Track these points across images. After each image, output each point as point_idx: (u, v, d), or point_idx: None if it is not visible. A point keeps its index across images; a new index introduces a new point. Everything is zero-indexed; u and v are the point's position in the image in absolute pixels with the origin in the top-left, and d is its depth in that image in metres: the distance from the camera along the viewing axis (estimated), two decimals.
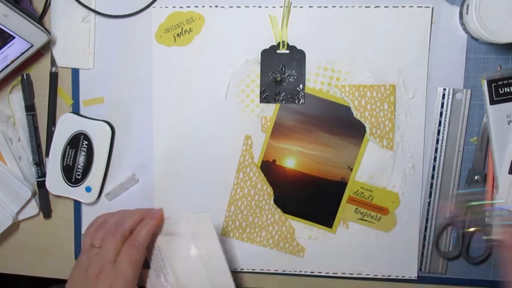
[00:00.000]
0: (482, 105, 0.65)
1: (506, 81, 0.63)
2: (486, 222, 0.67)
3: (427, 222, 0.67)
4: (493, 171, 0.65)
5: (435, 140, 0.66)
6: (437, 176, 0.67)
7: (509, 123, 0.63)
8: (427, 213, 0.67)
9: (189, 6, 0.68)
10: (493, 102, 0.63)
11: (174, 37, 0.69)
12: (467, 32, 0.64)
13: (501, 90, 0.63)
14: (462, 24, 0.64)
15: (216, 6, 0.68)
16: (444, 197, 0.67)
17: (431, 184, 0.67)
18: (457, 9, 0.65)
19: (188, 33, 0.69)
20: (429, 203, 0.67)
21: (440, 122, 0.66)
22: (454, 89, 0.66)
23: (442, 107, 0.66)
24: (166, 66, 0.69)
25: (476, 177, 0.66)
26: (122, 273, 0.56)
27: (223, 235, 0.70)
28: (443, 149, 0.66)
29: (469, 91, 0.65)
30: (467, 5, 0.61)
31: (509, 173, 0.63)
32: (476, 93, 0.66)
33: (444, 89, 0.66)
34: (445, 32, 0.65)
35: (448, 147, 0.66)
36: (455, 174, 0.67)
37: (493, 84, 0.63)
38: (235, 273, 0.71)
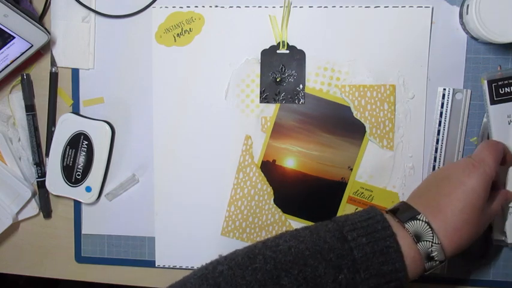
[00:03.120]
0: (482, 105, 0.65)
1: (506, 81, 0.63)
2: None
3: None
4: None
5: (435, 140, 0.66)
6: None
7: (509, 123, 0.63)
8: None
9: (189, 6, 0.68)
10: (493, 102, 0.63)
11: (174, 37, 0.69)
12: (467, 32, 0.64)
13: (501, 90, 0.63)
14: (462, 24, 0.64)
15: (216, 6, 0.68)
16: None
17: None
18: (457, 9, 0.65)
19: (188, 33, 0.69)
20: None
21: (440, 122, 0.66)
22: (454, 89, 0.65)
23: (442, 107, 0.66)
24: (166, 66, 0.69)
25: None
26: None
27: (223, 235, 0.70)
28: (443, 149, 0.66)
29: (469, 91, 0.65)
30: (467, 5, 0.60)
31: None
32: (476, 93, 0.66)
33: (444, 89, 0.66)
34: (445, 32, 0.65)
35: (448, 148, 0.66)
36: None
37: (493, 84, 0.63)
38: None
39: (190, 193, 0.70)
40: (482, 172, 0.55)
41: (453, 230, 0.53)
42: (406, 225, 0.53)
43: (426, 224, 0.53)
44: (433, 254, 0.52)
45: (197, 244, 0.71)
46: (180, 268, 0.72)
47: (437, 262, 0.53)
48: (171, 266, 0.72)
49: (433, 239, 0.52)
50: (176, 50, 0.69)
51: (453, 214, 0.53)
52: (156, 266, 0.72)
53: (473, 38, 0.64)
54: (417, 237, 0.52)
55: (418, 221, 0.53)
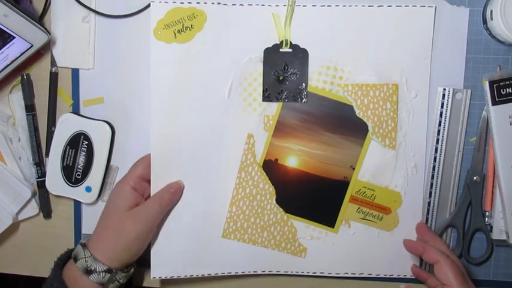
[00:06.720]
0: (482, 105, 0.66)
1: (508, 82, 0.63)
2: (486, 222, 0.67)
3: (427, 222, 0.68)
4: (494, 171, 0.66)
5: (435, 140, 0.67)
6: (437, 176, 0.67)
7: (511, 124, 0.63)
8: (427, 213, 0.68)
9: (190, 2, 0.67)
10: (495, 103, 0.63)
11: (175, 33, 0.68)
12: (492, 37, 0.65)
13: (503, 91, 0.63)
14: (487, 29, 0.64)
15: (219, 4, 0.67)
16: (444, 197, 0.67)
17: (431, 184, 0.67)
18: (458, 9, 0.65)
19: (189, 30, 0.68)
20: (429, 203, 0.67)
21: (440, 122, 0.66)
22: (454, 89, 0.66)
23: (442, 107, 0.66)
24: (165, 63, 0.67)
25: (475, 177, 0.67)
26: None
27: (224, 237, 0.70)
28: (443, 149, 0.67)
29: (469, 91, 0.66)
30: (491, 11, 0.61)
31: None
32: (476, 93, 0.66)
33: (444, 89, 0.66)
34: (445, 32, 0.66)
35: (448, 147, 0.67)
36: (455, 174, 0.67)
37: (495, 85, 0.63)
38: (237, 276, 0.71)
39: (191, 193, 0.69)
40: None
41: (96, 241, 0.64)
42: (72, 255, 0.65)
43: (81, 246, 0.64)
44: (90, 267, 0.62)
45: (197, 246, 0.70)
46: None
47: (103, 273, 0.62)
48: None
49: (84, 255, 0.63)
50: (176, 47, 0.68)
51: (96, 230, 0.66)
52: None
53: (499, 42, 0.65)
54: (75, 259, 0.63)
55: (78, 246, 0.65)
